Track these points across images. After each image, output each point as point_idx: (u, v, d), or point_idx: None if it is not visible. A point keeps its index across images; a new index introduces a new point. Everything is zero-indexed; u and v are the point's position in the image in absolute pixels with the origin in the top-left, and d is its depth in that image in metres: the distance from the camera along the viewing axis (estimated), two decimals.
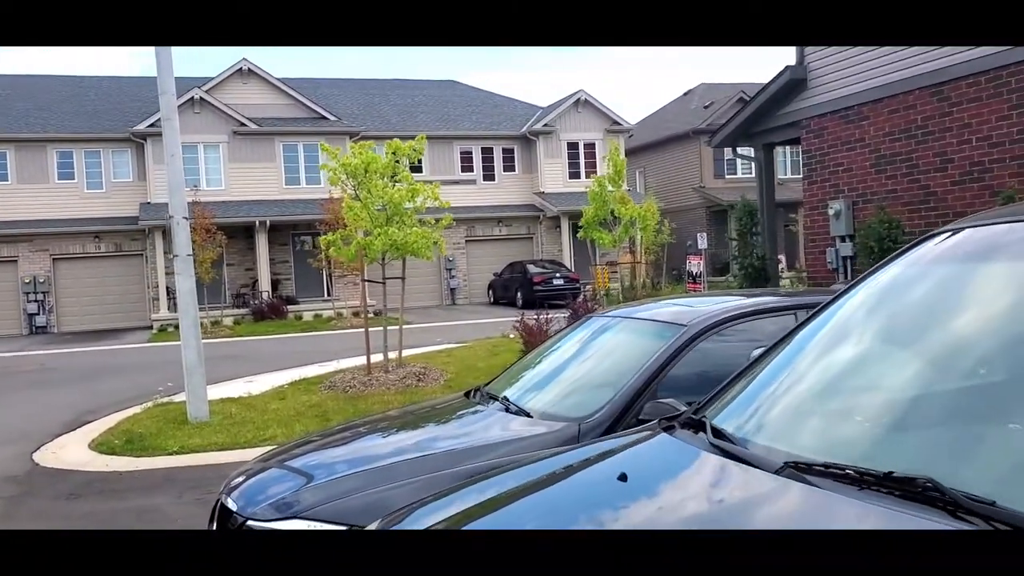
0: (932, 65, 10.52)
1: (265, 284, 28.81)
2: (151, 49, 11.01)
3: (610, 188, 21.08)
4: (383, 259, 12.15)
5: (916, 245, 2.44)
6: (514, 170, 33.61)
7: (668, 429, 2.30)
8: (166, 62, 9.94)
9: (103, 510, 6.93)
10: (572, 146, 33.43)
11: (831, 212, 12.46)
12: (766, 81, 13.69)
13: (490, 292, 31.69)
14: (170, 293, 27.69)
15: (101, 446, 9.22)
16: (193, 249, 11.52)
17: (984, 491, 1.43)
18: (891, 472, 1.54)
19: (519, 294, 28.45)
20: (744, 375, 2.39)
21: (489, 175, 33.36)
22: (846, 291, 2.46)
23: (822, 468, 1.66)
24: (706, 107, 37.89)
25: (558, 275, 28.67)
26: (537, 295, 26.97)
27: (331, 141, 24.51)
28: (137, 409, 11.15)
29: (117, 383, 14.38)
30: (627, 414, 3.82)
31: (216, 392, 11.47)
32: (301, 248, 30.24)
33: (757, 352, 2.72)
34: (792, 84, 13.02)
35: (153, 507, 6.88)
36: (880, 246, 10.22)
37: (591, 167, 32.47)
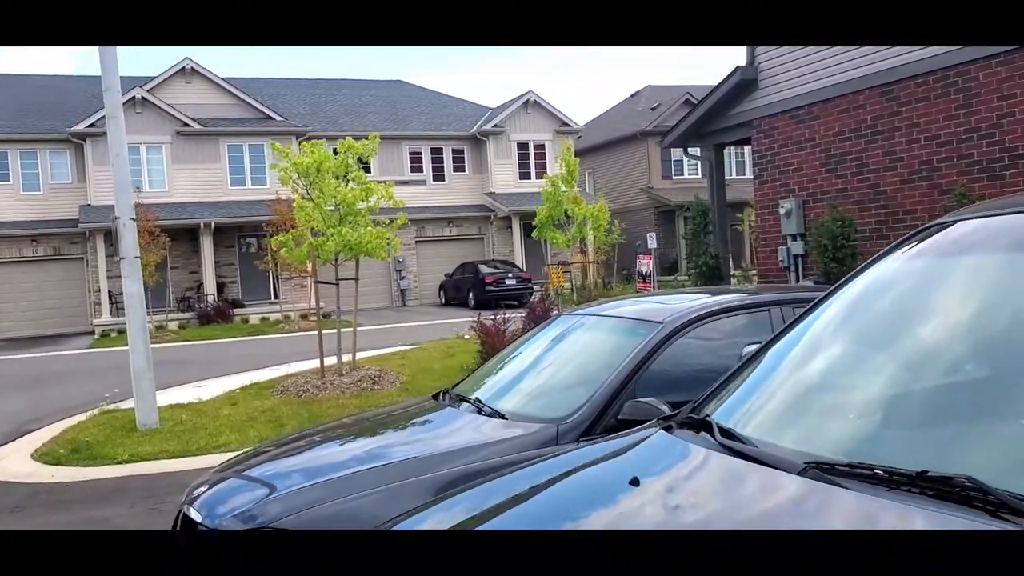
0: (882, 65, 10.69)
1: (211, 287, 28.25)
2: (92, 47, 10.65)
3: (563, 188, 21.09)
4: (336, 260, 11.95)
5: (911, 238, 2.41)
6: (464, 170, 33.48)
7: (667, 430, 2.23)
8: (111, 58, 9.63)
9: (51, 523, 6.64)
10: (522, 147, 33.42)
11: (782, 211, 12.59)
12: (713, 83, 13.81)
13: (441, 293, 31.51)
14: (112, 297, 27.02)
15: (45, 456, 8.88)
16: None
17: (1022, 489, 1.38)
18: (925, 471, 1.48)
19: (471, 295, 28.32)
20: (742, 372, 2.33)
21: (439, 175, 33.18)
22: (839, 287, 2.42)
23: (847, 468, 1.60)
24: (653, 109, 38.20)
25: (510, 275, 28.62)
26: (489, 295, 26.89)
27: (278, 141, 24.06)
28: (83, 417, 10.78)
29: (60, 390, 13.92)
30: (606, 414, 3.75)
31: (165, 398, 11.15)
32: (247, 250, 29.72)
33: (750, 349, 2.66)
34: (743, 84, 13.13)
35: (104, 519, 6.62)
36: (834, 244, 10.35)
37: (541, 168, 32.51)
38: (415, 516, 2.15)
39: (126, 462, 8.38)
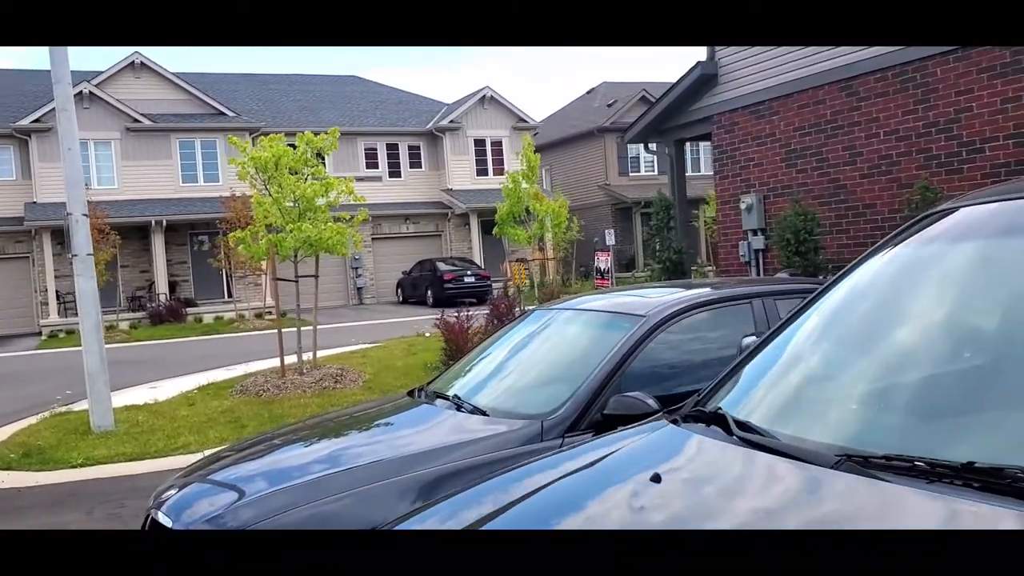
0: (840, 61, 10.79)
1: (162, 286, 27.67)
2: None
3: (524, 184, 20.99)
4: (295, 256, 11.73)
5: (913, 226, 2.37)
6: (420, 167, 33.23)
7: (673, 423, 2.15)
8: (60, 50, 9.31)
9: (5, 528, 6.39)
10: (479, 143, 33.26)
11: (743, 206, 12.67)
12: (670, 79, 13.88)
13: (399, 291, 31.25)
14: (60, 297, 26.32)
15: None
16: None
17: None
18: (972, 462, 1.42)
19: (429, 292, 28.12)
20: (748, 364, 2.26)
21: (395, 172, 32.88)
22: (843, 275, 2.37)
23: (883, 460, 1.53)
24: (609, 105, 38.33)
25: (469, 273, 28.46)
26: (448, 293, 26.70)
27: (233, 137, 23.66)
28: (33, 420, 10.42)
29: (7, 392, 13.46)
30: (591, 409, 3.68)
31: (119, 399, 10.83)
32: (200, 248, 29.16)
33: (749, 340, 2.60)
34: (703, 80, 13.18)
35: (60, 525, 6.38)
36: (796, 238, 10.42)
37: (499, 164, 32.40)
38: (416, 517, 2.05)
39: (81, 466, 8.11)
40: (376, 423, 4.47)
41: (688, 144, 22.53)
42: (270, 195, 11.64)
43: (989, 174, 9.33)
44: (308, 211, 11.60)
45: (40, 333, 25.55)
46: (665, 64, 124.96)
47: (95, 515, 6.56)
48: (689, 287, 5.27)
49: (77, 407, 10.79)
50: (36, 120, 26.65)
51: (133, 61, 29.22)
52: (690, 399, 2.31)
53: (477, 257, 31.15)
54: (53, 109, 10.58)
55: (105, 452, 8.45)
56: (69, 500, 7.09)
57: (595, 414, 3.65)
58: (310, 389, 10.90)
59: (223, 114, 29.94)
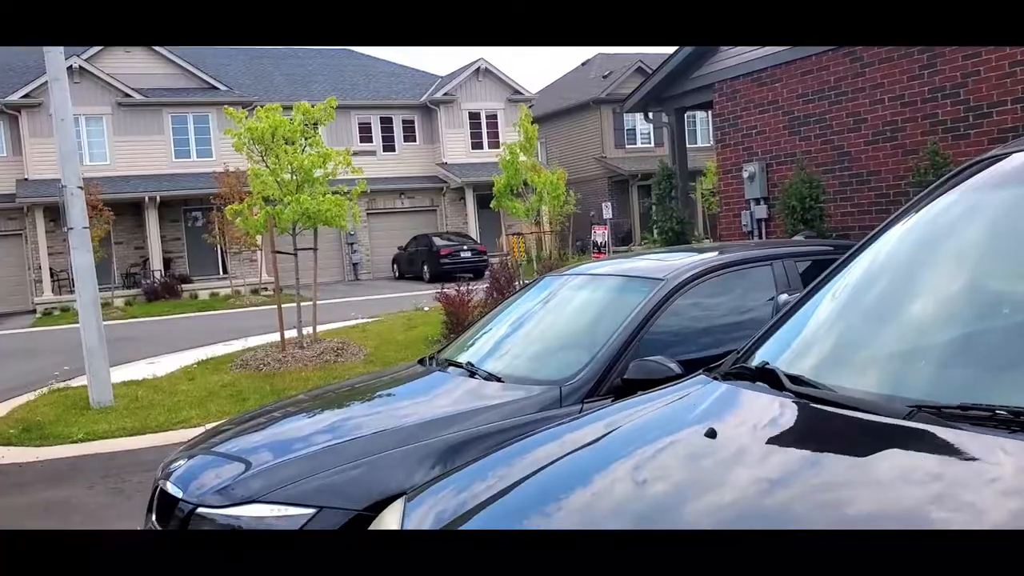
0: None
1: (157, 263, 27.50)
2: None
3: (522, 156, 20.76)
4: (294, 229, 11.58)
5: (963, 171, 2.26)
6: (415, 140, 32.97)
7: (715, 380, 2.05)
8: None
9: (5, 506, 6.30)
10: (474, 116, 32.99)
11: (745, 175, 12.53)
12: (664, 51, 13.68)
13: (395, 266, 31.11)
14: (54, 275, 26.14)
15: None
16: None
17: None
18: None
19: (426, 268, 28.00)
20: (790, 319, 2.15)
21: (389, 146, 32.62)
22: (890, 224, 2.26)
23: (958, 411, 1.43)
24: (605, 77, 38.00)
25: (465, 247, 28.32)
26: (444, 268, 26.57)
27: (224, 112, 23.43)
28: (31, 396, 10.32)
29: (3, 370, 13.35)
30: (610, 374, 3.58)
31: (118, 375, 10.73)
32: (194, 224, 28.96)
33: (784, 297, 2.50)
34: (704, 47, 12.99)
35: (62, 500, 6.31)
36: (802, 205, 10.32)
37: (494, 137, 32.15)
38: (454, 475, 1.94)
39: (81, 441, 8.02)
40: (392, 391, 4.38)
41: (685, 115, 22.43)
42: (267, 166, 11.47)
43: (996, 139, 9.20)
44: (306, 183, 11.45)
45: (34, 311, 25.38)
46: None
47: (96, 489, 6.49)
48: (713, 250, 5.14)
49: (75, 383, 10.69)
50: (26, 95, 26.33)
51: None
52: (728, 357, 2.21)
53: (473, 232, 31.00)
54: (43, 84, 10.37)
55: (106, 427, 8.35)
56: (70, 475, 7.01)
57: (615, 379, 3.56)
58: (311, 363, 10.81)
59: (215, 88, 29.63)
